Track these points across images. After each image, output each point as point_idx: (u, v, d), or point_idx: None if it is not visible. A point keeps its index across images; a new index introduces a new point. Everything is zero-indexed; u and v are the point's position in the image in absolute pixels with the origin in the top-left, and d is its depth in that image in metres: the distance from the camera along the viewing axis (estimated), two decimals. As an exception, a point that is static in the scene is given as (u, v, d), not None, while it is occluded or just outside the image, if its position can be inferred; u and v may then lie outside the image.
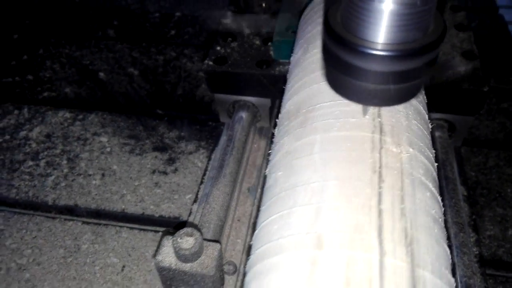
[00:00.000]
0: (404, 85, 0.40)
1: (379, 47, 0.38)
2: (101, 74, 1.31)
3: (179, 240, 0.62)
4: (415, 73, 0.40)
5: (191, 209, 0.92)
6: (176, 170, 1.03)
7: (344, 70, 0.41)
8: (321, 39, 0.47)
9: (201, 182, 0.96)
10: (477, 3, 1.52)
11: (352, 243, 0.36)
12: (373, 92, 0.41)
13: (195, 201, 0.93)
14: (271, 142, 0.57)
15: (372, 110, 0.47)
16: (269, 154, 0.55)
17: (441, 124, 0.93)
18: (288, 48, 0.90)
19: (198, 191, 0.95)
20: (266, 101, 0.97)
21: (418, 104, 0.53)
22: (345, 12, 0.40)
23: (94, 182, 1.01)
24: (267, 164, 0.55)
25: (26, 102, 1.22)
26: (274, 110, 1.03)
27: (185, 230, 0.63)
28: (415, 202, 0.41)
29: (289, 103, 0.54)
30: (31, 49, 1.41)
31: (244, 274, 0.45)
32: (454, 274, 0.62)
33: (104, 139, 1.11)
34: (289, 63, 0.92)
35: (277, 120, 0.57)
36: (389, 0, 0.36)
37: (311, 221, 0.39)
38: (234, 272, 0.77)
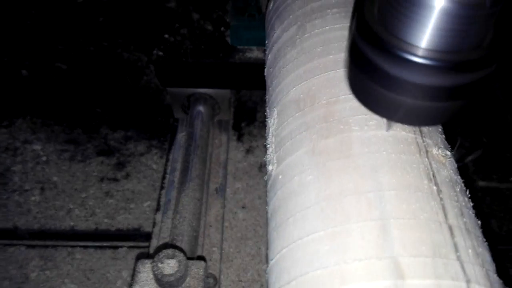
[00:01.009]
0: (449, 104, 0.33)
1: (421, 53, 0.30)
2: (24, 72, 1.15)
3: (159, 265, 0.53)
4: (461, 91, 0.32)
5: (154, 218, 0.82)
6: (128, 175, 0.92)
7: (373, 77, 0.33)
8: (350, 35, 0.38)
9: (162, 187, 0.87)
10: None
11: (436, 269, 0.31)
12: (405, 108, 0.34)
13: (157, 209, 0.84)
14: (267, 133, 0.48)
15: None
16: (265, 147, 0.46)
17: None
18: (247, 33, 0.83)
19: (159, 197, 0.85)
20: (225, 92, 0.89)
21: None
22: (384, 5, 0.32)
23: (33, 198, 0.88)
24: (265, 162, 0.46)
25: None
26: (232, 101, 0.96)
27: (165, 252, 0.54)
28: (470, 214, 0.37)
29: (295, 91, 0.45)
30: None
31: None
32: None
33: (37, 146, 0.97)
34: (249, 50, 0.85)
35: (273, 109, 0.48)
36: None
37: (380, 242, 0.32)
38: (215, 285, 0.70)
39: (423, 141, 0.39)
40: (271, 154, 0.45)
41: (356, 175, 0.36)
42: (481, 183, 0.95)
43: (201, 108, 0.87)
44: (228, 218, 0.80)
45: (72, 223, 0.84)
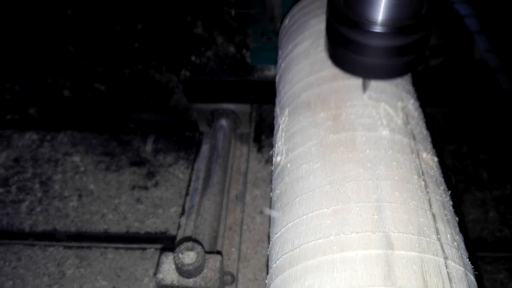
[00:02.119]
0: (402, 59, 0.44)
1: (378, 24, 0.42)
2: (66, 92, 1.26)
3: (180, 255, 0.60)
4: (410, 49, 0.44)
5: (179, 222, 0.89)
6: (157, 183, 1.00)
7: (345, 45, 0.45)
8: (326, 17, 0.49)
9: (186, 194, 0.94)
10: None
11: (420, 245, 0.36)
12: (372, 66, 0.45)
13: (182, 214, 0.91)
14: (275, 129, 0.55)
15: (402, 116, 0.48)
16: (274, 142, 0.52)
17: (416, 117, 0.95)
18: (265, 54, 0.90)
19: (184, 203, 0.93)
20: (246, 107, 0.97)
21: (423, 115, 0.55)
22: None
23: (71, 204, 0.96)
24: (272, 155, 0.52)
25: (-12, 127, 1.15)
26: (253, 116, 1.03)
27: (185, 244, 0.61)
28: (450, 208, 0.42)
29: (307, 94, 0.52)
30: (-13, 70, 1.34)
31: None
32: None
33: (76, 158, 1.06)
34: (267, 68, 0.92)
35: (285, 109, 0.55)
36: None
37: (375, 220, 0.38)
38: (232, 282, 0.75)
39: (416, 145, 0.45)
40: (281, 146, 0.51)
41: (358, 165, 0.42)
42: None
43: (223, 122, 0.95)
44: (246, 222, 0.86)
45: (105, 226, 0.92)
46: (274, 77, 0.91)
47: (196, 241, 0.66)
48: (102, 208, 0.95)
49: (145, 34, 1.47)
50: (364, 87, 0.49)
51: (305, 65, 0.56)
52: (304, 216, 0.41)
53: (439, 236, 0.38)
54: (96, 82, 1.29)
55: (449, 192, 0.46)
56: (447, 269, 0.36)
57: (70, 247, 0.89)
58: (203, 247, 0.62)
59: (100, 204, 0.96)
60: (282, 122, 0.53)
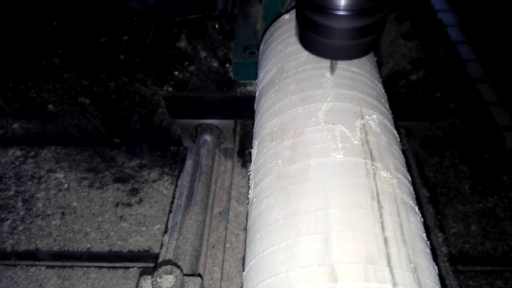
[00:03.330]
0: (363, 40, 0.49)
1: (341, 7, 0.47)
2: (50, 106, 1.25)
3: (158, 279, 0.59)
4: (370, 30, 0.49)
5: (162, 240, 0.89)
6: (141, 200, 0.99)
7: (313, 29, 0.50)
8: (295, 4, 0.54)
9: (170, 211, 0.94)
10: (414, 8, 1.60)
11: (366, 274, 0.36)
12: (337, 47, 0.50)
13: (165, 231, 0.90)
14: (250, 163, 0.55)
15: (360, 135, 0.48)
16: (248, 177, 0.53)
17: (399, 130, 0.96)
18: (248, 69, 0.90)
19: (167, 220, 0.92)
20: (229, 123, 0.97)
21: (393, 129, 0.55)
22: None
23: (54, 222, 0.96)
24: (248, 187, 0.53)
25: (-30, 143, 1.14)
26: (237, 130, 1.03)
27: (163, 268, 0.61)
28: (411, 227, 0.41)
29: (270, 125, 0.53)
30: (-30, 85, 1.33)
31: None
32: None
33: (60, 175, 1.06)
34: (250, 84, 0.92)
35: (255, 141, 0.55)
36: None
37: (321, 252, 0.38)
38: (215, 302, 0.75)
39: (372, 165, 0.44)
40: (251, 180, 0.51)
41: (309, 196, 0.42)
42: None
43: (207, 137, 0.95)
44: (230, 240, 0.86)
45: (88, 245, 0.91)
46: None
47: (175, 264, 0.65)
48: (85, 227, 0.94)
49: (130, 46, 1.47)
50: (332, 69, 0.54)
51: (271, 93, 0.57)
52: (262, 253, 0.42)
53: (389, 261, 0.38)
54: (81, 96, 1.29)
55: (416, 207, 0.46)
56: None
57: (52, 267, 0.88)
58: (181, 270, 0.62)
59: (83, 222, 0.95)
60: (253, 154, 0.54)
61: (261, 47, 0.70)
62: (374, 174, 0.44)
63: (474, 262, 0.85)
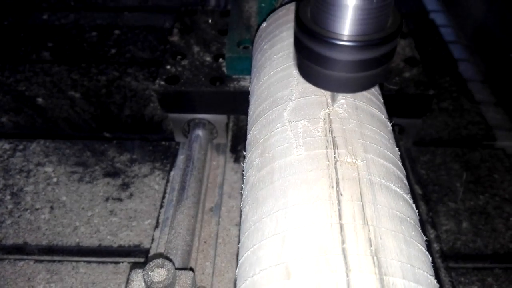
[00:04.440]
0: (367, 73, 0.44)
1: (345, 38, 0.42)
2: (40, 100, 1.24)
3: (150, 273, 0.59)
4: (376, 62, 0.44)
5: (152, 235, 0.88)
6: (131, 195, 0.98)
7: (313, 60, 0.45)
8: (293, 31, 0.49)
9: (161, 206, 0.93)
10: (407, 9, 1.61)
11: (318, 266, 0.36)
12: (340, 80, 0.45)
13: (156, 226, 0.89)
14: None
15: (323, 125, 0.48)
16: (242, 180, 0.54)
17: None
18: (241, 63, 0.90)
19: (158, 215, 0.91)
20: (222, 118, 0.96)
21: (371, 108, 0.54)
22: (314, 7, 0.44)
23: (43, 216, 0.94)
24: (241, 186, 0.54)
25: (-43, 136, 1.12)
26: (230, 126, 1.02)
27: (155, 261, 0.60)
28: (377, 208, 0.41)
29: (250, 134, 0.55)
30: (-43, 77, 1.30)
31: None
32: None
33: (49, 169, 1.04)
34: (243, 79, 0.92)
35: (244, 152, 0.57)
36: None
37: (278, 252, 0.39)
38: (206, 297, 0.74)
39: (334, 153, 0.44)
40: (242, 193, 0.54)
41: (273, 199, 0.43)
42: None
43: (199, 132, 0.94)
44: (222, 235, 0.85)
45: (77, 240, 0.90)
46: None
47: (167, 258, 0.65)
48: (74, 221, 0.93)
49: (122, 40, 1.45)
50: (333, 101, 0.50)
51: (251, 103, 0.59)
52: (240, 261, 0.43)
53: (344, 248, 0.37)
54: (71, 90, 1.27)
55: (396, 185, 0.45)
56: (348, 283, 0.35)
57: (41, 261, 0.86)
58: (173, 264, 0.61)
59: (72, 217, 0.94)
60: (244, 163, 0.55)
61: (256, 42, 0.69)
62: (336, 162, 0.43)
63: (465, 259, 0.85)
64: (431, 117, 1.16)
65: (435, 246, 0.85)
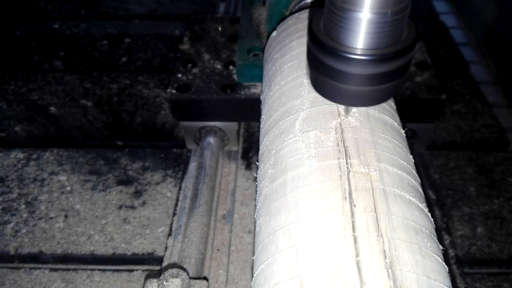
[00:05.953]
0: (381, 87, 0.44)
1: (358, 52, 0.42)
2: (52, 109, 1.25)
3: (164, 283, 0.59)
4: (391, 76, 0.43)
5: (166, 243, 0.88)
6: (144, 203, 0.99)
7: (327, 74, 0.44)
8: (306, 45, 0.48)
9: (174, 214, 0.93)
10: (417, 11, 1.60)
11: (332, 280, 0.35)
12: (354, 94, 0.45)
13: (169, 234, 0.90)
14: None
15: (335, 135, 0.47)
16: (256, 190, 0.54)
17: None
18: (251, 71, 0.90)
19: (171, 223, 0.92)
20: (233, 125, 0.96)
21: (383, 115, 0.53)
22: (327, 20, 0.43)
23: (57, 225, 0.95)
24: (255, 192, 0.54)
25: (-28, 146, 1.14)
26: (241, 132, 1.03)
27: (170, 271, 0.60)
28: (391, 219, 0.40)
29: (262, 145, 0.54)
30: (-28, 87, 1.33)
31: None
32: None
33: (63, 177, 1.05)
34: (253, 86, 0.92)
35: (257, 163, 0.57)
36: (367, 10, 0.40)
37: (292, 265, 0.38)
38: (220, 305, 0.75)
39: (347, 163, 0.44)
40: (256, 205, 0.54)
41: (286, 211, 0.43)
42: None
43: (211, 139, 0.94)
44: (234, 242, 0.85)
45: (92, 248, 0.91)
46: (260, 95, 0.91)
47: (181, 267, 0.65)
48: (88, 229, 0.94)
49: (132, 49, 1.46)
50: (346, 113, 0.50)
51: (263, 113, 0.59)
52: (255, 274, 0.43)
53: (358, 261, 0.37)
54: (83, 99, 1.28)
55: (411, 195, 0.44)
56: None
57: (56, 270, 0.87)
58: (188, 273, 0.61)
59: (86, 225, 0.94)
60: (257, 174, 0.55)
61: (266, 51, 0.70)
62: (348, 172, 0.43)
63: (480, 264, 0.84)
64: (443, 120, 1.15)
65: (450, 251, 0.84)
